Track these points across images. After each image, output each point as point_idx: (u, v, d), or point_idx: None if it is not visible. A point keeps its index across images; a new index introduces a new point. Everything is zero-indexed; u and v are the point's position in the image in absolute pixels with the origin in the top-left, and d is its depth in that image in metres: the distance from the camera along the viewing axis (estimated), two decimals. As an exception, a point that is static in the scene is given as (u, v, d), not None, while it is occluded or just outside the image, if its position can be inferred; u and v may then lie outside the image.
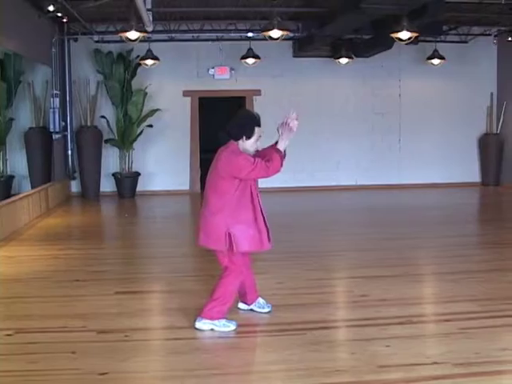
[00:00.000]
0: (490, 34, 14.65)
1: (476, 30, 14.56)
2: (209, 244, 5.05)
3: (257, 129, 4.93)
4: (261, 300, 5.53)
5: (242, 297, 5.51)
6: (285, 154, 4.98)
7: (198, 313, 5.07)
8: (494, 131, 15.42)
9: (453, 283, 6.45)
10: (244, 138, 4.91)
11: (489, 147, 15.40)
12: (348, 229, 10.19)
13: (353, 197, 14.29)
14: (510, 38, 12.83)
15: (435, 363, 4.28)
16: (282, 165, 4.88)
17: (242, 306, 5.54)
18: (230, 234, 4.90)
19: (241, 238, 4.93)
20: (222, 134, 5.00)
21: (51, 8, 10.94)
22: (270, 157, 4.84)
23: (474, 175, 15.65)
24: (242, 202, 4.94)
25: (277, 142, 4.97)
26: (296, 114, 4.91)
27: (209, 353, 4.68)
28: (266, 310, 5.49)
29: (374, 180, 15.27)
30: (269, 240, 5.07)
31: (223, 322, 5.03)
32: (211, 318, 5.01)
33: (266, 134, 5.22)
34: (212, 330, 4.99)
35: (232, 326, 5.04)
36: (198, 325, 5.03)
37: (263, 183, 5.22)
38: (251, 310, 5.50)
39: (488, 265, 7.34)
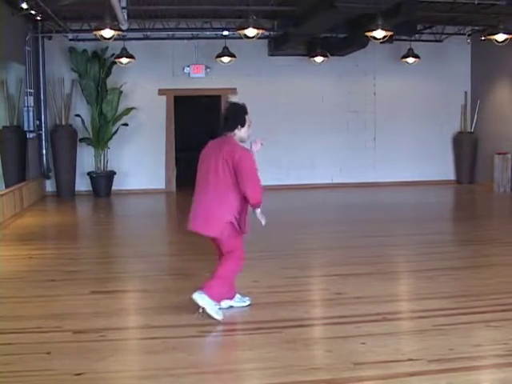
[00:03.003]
0: (463, 34, 14.78)
1: (450, 29, 14.68)
2: (209, 231, 5.24)
3: (246, 117, 5.32)
4: (238, 295, 5.58)
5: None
6: None
7: (201, 285, 5.13)
8: (468, 129, 15.54)
9: (427, 280, 6.50)
10: (239, 126, 5.26)
11: (463, 145, 15.53)
12: (323, 227, 10.21)
13: (328, 195, 14.33)
14: (483, 38, 12.93)
15: (410, 360, 4.31)
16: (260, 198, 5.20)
17: (222, 303, 5.53)
18: (236, 219, 5.21)
19: (244, 221, 5.27)
20: (223, 126, 5.31)
21: (25, 6, 10.82)
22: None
23: (449, 173, 15.78)
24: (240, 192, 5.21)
25: None
26: (262, 141, 5.45)
27: (185, 352, 4.66)
28: (247, 302, 5.56)
29: (349, 178, 15.32)
30: None
31: (217, 308, 5.13)
32: (211, 297, 5.07)
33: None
34: (203, 309, 5.06)
35: (219, 317, 5.09)
36: (196, 296, 5.07)
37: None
38: (231, 306, 5.51)
39: (462, 262, 7.42)
